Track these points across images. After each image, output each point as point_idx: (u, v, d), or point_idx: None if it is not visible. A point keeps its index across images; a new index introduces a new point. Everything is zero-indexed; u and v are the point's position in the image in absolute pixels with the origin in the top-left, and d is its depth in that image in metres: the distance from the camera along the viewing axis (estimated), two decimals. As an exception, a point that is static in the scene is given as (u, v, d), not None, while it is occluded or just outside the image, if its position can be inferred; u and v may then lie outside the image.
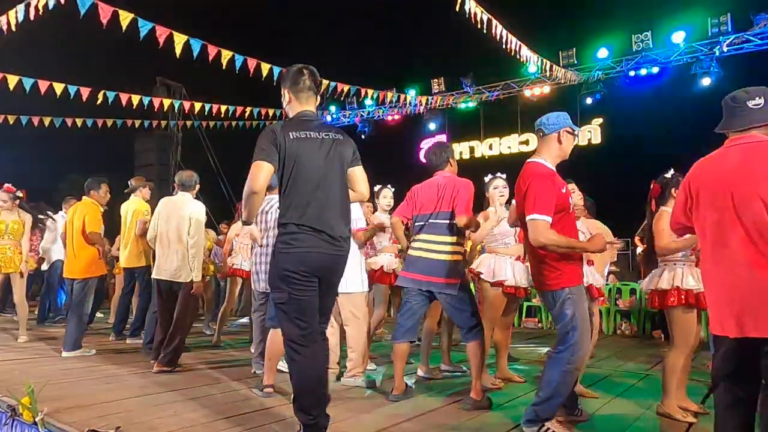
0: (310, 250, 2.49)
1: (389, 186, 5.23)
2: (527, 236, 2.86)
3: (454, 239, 3.55)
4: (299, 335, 2.49)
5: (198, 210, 4.50)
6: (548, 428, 2.79)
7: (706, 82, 10.23)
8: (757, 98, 2.18)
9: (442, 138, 13.13)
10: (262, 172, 2.46)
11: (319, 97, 2.74)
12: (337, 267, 2.63)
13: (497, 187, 4.28)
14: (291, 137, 2.51)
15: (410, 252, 3.68)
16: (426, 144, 13.85)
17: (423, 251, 3.57)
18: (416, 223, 3.70)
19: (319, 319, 2.59)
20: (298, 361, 2.51)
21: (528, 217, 2.74)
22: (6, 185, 5.83)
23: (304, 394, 2.50)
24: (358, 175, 2.75)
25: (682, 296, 3.23)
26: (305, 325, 2.51)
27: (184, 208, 4.47)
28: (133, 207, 5.80)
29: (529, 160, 2.98)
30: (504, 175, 4.40)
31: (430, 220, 3.60)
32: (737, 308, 2.05)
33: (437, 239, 3.55)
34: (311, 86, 2.67)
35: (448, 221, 3.55)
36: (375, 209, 5.26)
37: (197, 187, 4.75)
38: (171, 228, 4.48)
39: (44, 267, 7.59)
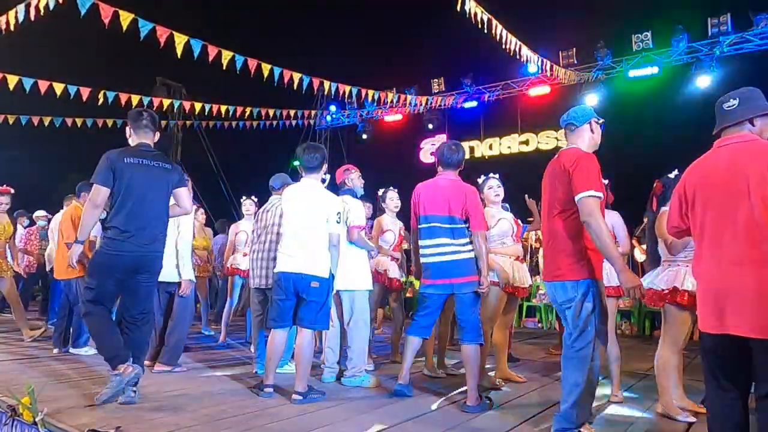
0: (123, 251, 3.20)
1: (392, 188, 5.17)
2: (551, 224, 2.83)
3: (465, 240, 3.55)
4: (92, 310, 3.24)
5: None
6: None
7: (705, 82, 10.21)
8: (731, 100, 2.27)
9: (442, 138, 13.12)
10: (100, 194, 3.21)
11: (156, 133, 3.52)
12: (147, 263, 3.31)
13: (492, 187, 4.28)
14: (125, 161, 3.25)
15: (424, 259, 3.66)
16: (426, 144, 13.86)
17: (438, 255, 3.55)
18: (421, 225, 3.67)
19: (139, 305, 3.34)
20: (92, 323, 3.29)
21: (582, 194, 2.63)
22: (3, 187, 5.82)
23: (106, 346, 3.21)
24: (183, 193, 3.53)
25: (681, 296, 3.24)
26: (100, 306, 3.26)
27: None
28: None
29: (564, 149, 2.93)
30: (497, 175, 4.39)
31: (434, 224, 3.58)
32: (725, 306, 2.08)
33: (448, 241, 3.54)
34: (148, 125, 3.45)
35: (454, 225, 3.54)
36: (379, 212, 5.21)
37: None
38: None
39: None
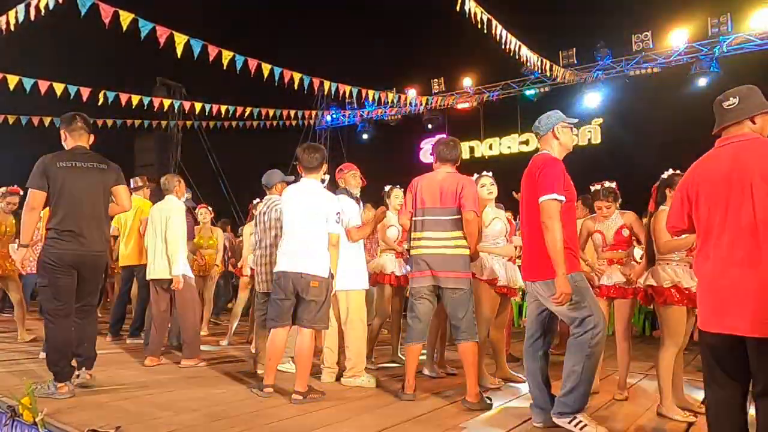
0: (66, 250, 3.33)
1: (398, 186, 5.10)
2: (530, 227, 2.93)
3: (459, 233, 3.52)
4: (53, 309, 3.36)
5: (169, 207, 4.65)
6: (580, 420, 2.80)
7: (705, 82, 10.22)
8: (731, 98, 2.28)
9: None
10: (35, 198, 3.34)
11: (91, 135, 3.62)
12: (90, 261, 3.43)
13: (485, 185, 4.26)
14: (58, 165, 3.37)
15: (414, 251, 3.63)
16: (426, 144, 13.85)
17: (430, 248, 3.53)
18: (417, 218, 3.65)
19: (83, 299, 3.50)
20: (51, 328, 3.36)
21: (542, 198, 2.82)
22: (12, 187, 5.83)
23: (53, 352, 3.34)
24: (120, 191, 3.62)
25: (676, 295, 3.26)
26: (60, 303, 3.36)
27: (163, 208, 4.67)
28: (136, 204, 5.78)
29: (536, 155, 3.10)
30: (490, 173, 4.38)
31: (433, 216, 3.56)
32: (726, 305, 2.09)
33: (442, 235, 3.51)
34: (83, 126, 3.57)
35: (451, 217, 3.52)
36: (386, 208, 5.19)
37: (176, 185, 4.84)
38: (157, 230, 4.63)
39: None
